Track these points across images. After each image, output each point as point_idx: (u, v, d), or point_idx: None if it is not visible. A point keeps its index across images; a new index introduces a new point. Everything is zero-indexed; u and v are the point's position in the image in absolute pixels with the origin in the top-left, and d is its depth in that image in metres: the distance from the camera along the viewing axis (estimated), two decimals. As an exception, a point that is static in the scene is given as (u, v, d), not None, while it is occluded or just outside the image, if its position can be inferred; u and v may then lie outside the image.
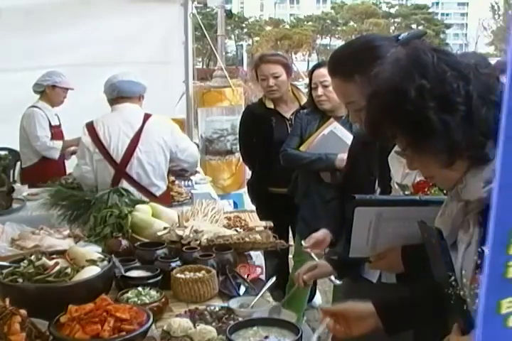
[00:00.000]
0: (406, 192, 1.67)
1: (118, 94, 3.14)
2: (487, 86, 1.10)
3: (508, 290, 0.59)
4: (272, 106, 3.63)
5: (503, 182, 0.55)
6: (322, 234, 2.12)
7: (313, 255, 2.10)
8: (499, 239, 0.56)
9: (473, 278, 1.13)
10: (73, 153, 4.36)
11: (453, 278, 1.16)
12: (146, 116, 3.14)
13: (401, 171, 1.67)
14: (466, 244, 1.16)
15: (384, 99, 1.14)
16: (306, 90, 3.49)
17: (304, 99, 3.58)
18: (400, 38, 1.63)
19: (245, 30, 53.71)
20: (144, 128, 3.09)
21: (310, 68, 3.59)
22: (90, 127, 3.11)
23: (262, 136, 3.63)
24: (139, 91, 3.20)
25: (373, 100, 1.18)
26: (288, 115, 3.61)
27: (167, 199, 3.23)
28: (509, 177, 0.55)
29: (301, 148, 3.20)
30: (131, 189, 3.01)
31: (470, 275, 1.14)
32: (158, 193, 3.15)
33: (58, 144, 4.21)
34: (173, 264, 2.08)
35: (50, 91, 4.18)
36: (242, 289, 2.04)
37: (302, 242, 2.18)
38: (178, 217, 2.45)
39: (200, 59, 33.43)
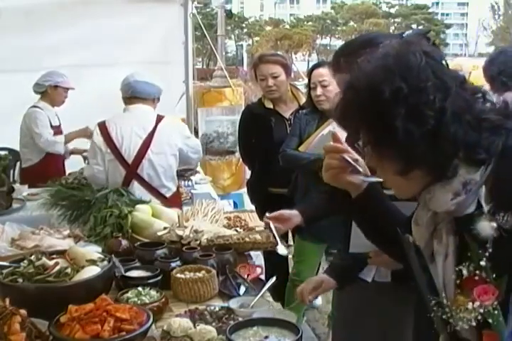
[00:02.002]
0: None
1: (132, 94, 3.15)
2: (467, 104, 1.06)
3: None
4: (271, 106, 3.63)
5: None
6: (290, 213, 2.16)
7: (272, 226, 2.12)
8: None
9: (455, 300, 1.09)
10: (72, 152, 4.39)
11: (433, 302, 1.13)
12: (159, 118, 3.14)
13: None
14: (444, 256, 1.12)
15: (358, 94, 1.11)
16: (306, 90, 3.48)
17: (303, 99, 3.57)
18: (404, 36, 1.62)
19: (245, 30, 53.70)
20: (157, 129, 3.09)
21: (309, 68, 3.58)
22: (102, 127, 3.11)
23: (261, 135, 3.63)
24: (153, 93, 3.20)
25: (348, 92, 1.15)
26: (287, 115, 3.61)
27: (177, 200, 3.24)
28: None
29: (301, 149, 3.19)
30: (142, 190, 3.03)
31: (452, 297, 1.10)
32: (168, 194, 3.17)
33: (60, 138, 4.20)
34: (173, 264, 2.08)
35: (51, 92, 4.18)
36: (242, 289, 2.04)
37: (266, 214, 2.21)
38: (178, 217, 2.45)
39: (200, 59, 33.43)
